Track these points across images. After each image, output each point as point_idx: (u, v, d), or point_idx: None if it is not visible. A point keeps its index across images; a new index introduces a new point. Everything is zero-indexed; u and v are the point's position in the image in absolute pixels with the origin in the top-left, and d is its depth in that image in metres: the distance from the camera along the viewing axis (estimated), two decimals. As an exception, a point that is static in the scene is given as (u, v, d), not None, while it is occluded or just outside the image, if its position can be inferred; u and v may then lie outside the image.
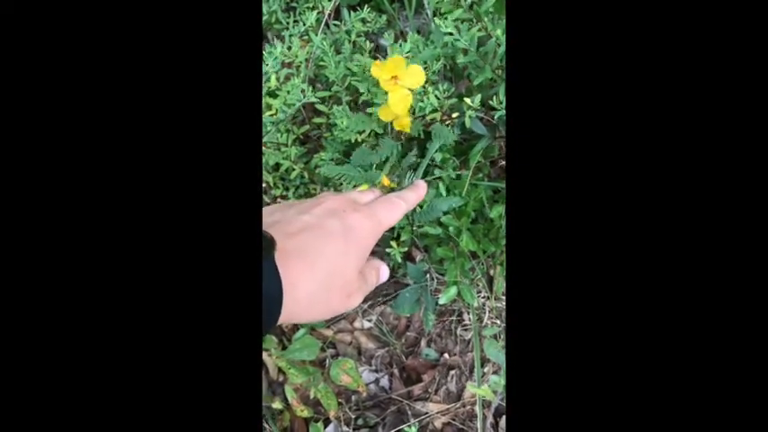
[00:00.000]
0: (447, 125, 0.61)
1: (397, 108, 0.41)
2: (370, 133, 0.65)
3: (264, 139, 0.58)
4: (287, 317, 0.35)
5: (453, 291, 0.66)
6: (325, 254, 0.37)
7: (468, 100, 0.61)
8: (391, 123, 0.61)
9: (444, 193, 0.64)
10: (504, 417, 0.71)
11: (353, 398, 0.77)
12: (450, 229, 0.67)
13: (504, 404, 0.69)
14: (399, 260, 0.66)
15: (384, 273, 0.45)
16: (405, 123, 0.48)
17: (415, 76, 0.41)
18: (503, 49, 0.57)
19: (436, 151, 0.62)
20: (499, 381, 0.64)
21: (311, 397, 0.70)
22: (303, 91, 0.55)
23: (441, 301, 0.67)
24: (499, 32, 0.57)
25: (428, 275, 0.73)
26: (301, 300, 0.35)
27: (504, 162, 0.75)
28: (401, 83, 0.42)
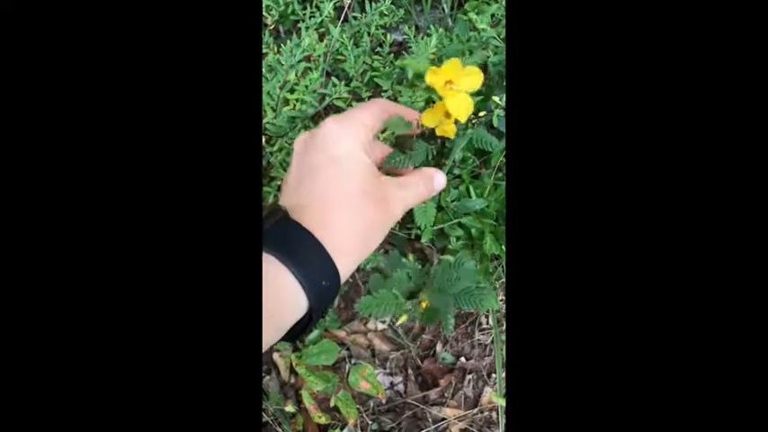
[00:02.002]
0: (474, 124, 0.59)
1: (458, 113, 0.37)
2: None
3: (290, 135, 0.55)
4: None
5: (477, 294, 0.64)
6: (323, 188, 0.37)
7: (496, 98, 0.59)
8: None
9: (472, 195, 0.62)
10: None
11: (370, 402, 0.75)
12: (473, 230, 0.65)
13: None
14: (418, 267, 0.65)
15: (439, 180, 0.43)
16: (449, 130, 0.43)
17: (473, 75, 0.36)
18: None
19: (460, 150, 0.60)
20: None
21: (331, 405, 0.68)
22: (335, 86, 0.52)
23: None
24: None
25: (448, 278, 0.71)
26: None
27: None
28: (457, 87, 0.37)
